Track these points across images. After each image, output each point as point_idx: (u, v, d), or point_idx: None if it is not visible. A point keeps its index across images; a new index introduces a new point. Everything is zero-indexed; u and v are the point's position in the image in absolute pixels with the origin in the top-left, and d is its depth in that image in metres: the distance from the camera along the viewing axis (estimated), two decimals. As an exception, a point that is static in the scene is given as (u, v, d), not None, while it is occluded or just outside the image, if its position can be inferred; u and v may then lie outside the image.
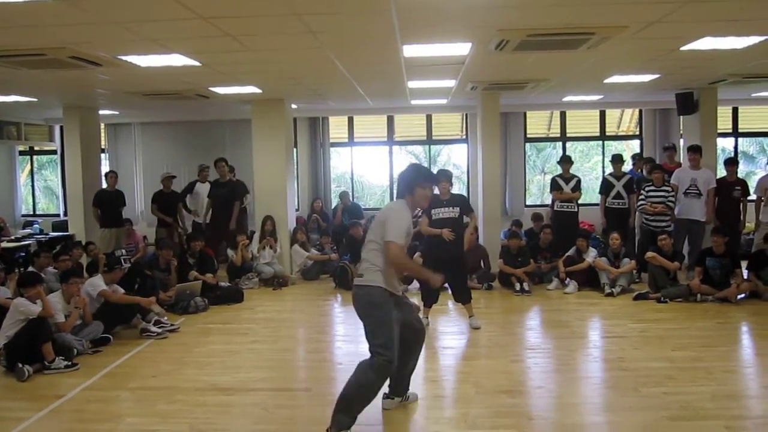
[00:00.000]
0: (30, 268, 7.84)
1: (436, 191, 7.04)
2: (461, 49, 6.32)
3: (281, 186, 10.24)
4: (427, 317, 7.08)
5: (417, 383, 5.23)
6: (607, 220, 9.63)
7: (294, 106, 11.02)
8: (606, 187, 9.66)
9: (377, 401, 4.71)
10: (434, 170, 13.05)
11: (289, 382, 5.43)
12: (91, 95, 9.46)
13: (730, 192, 9.28)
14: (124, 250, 7.93)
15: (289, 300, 8.84)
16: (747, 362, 5.97)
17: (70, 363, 5.74)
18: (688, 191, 9.11)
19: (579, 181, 9.66)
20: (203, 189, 10.73)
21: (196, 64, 6.60)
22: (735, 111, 12.80)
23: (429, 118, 13.36)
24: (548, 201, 11.49)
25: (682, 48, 6.46)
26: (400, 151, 14.27)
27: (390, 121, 13.40)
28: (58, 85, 8.17)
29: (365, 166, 14.35)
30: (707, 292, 7.86)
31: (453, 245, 6.81)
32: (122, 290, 7.00)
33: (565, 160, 9.85)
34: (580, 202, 9.82)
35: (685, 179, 9.20)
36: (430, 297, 7.08)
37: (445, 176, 7.03)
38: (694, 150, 9.37)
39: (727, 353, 6.08)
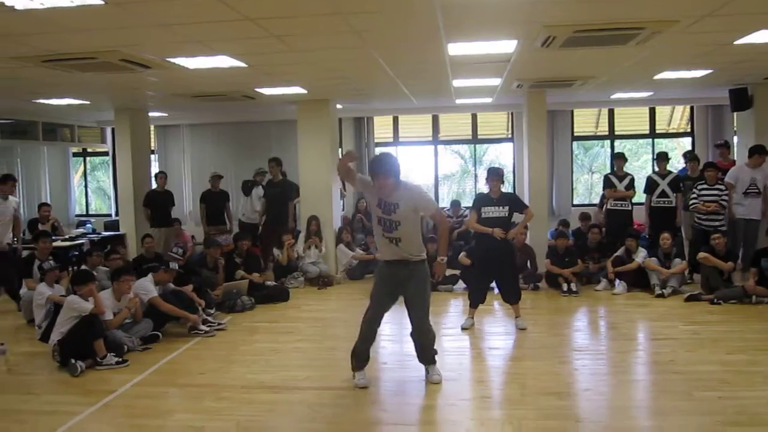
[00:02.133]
0: (83, 267, 8.04)
1: (486, 190, 7.00)
2: (507, 46, 6.25)
3: (327, 186, 10.30)
4: (472, 317, 7.03)
5: (463, 384, 5.21)
6: (651, 219, 9.42)
7: (339, 106, 11.07)
8: (650, 185, 9.43)
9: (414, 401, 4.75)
10: (480, 170, 13.26)
11: (334, 381, 5.43)
12: (141, 97, 9.67)
13: (789, 191, 8.97)
14: (181, 249, 8.07)
15: (334, 299, 8.88)
16: (805, 366, 5.75)
17: (120, 359, 5.87)
18: (748, 191, 8.85)
19: (632, 180, 9.43)
20: (257, 192, 10.88)
21: (242, 65, 6.68)
22: (792, 106, 12.36)
23: (474, 117, 13.27)
24: (596, 200, 11.29)
25: (736, 42, 6.27)
26: (445, 150, 14.20)
27: (435, 120, 13.35)
28: (110, 87, 8.37)
29: (410, 165, 14.31)
30: (763, 294, 7.61)
31: (503, 244, 6.76)
32: (172, 286, 7.12)
33: (619, 157, 9.65)
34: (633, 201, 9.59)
35: (745, 178, 8.94)
36: (476, 297, 7.03)
37: (495, 174, 6.89)
38: (760, 152, 8.97)
39: (785, 357, 5.88)
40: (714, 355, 5.76)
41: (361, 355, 5.29)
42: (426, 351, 5.28)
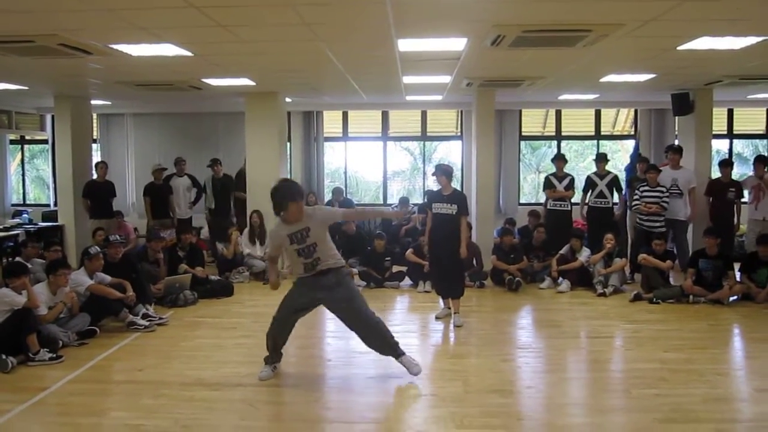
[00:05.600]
0: (17, 258, 7.75)
1: (438, 186, 7.07)
2: (457, 44, 6.25)
3: (274, 180, 10.11)
4: (447, 307, 7.17)
5: (405, 381, 5.18)
6: (589, 218, 9.62)
7: (288, 99, 10.94)
8: (589, 185, 9.62)
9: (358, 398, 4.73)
10: (429, 167, 13.32)
11: (277, 378, 5.36)
12: (83, 84, 9.35)
13: (724, 193, 9.28)
14: (118, 236, 7.88)
15: (279, 295, 8.72)
16: (738, 365, 5.94)
17: (54, 355, 5.67)
18: (671, 191, 9.14)
19: (572, 180, 9.64)
20: (178, 183, 10.69)
21: (188, 54, 6.50)
22: (730, 113, 12.79)
23: (424, 115, 13.30)
24: (542, 199, 11.48)
25: (679, 47, 6.41)
26: (394, 147, 14.20)
27: (385, 116, 13.32)
28: (49, 73, 8.06)
29: (359, 161, 14.28)
30: (700, 294, 7.83)
31: (451, 240, 6.83)
32: (108, 278, 6.93)
33: (559, 158, 9.84)
34: (572, 200, 9.79)
35: (666, 179, 9.27)
36: (440, 289, 7.32)
37: (441, 171, 7.00)
38: (675, 150, 9.64)
39: (719, 355, 6.06)
40: (652, 354, 5.89)
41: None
42: (379, 346, 5.26)
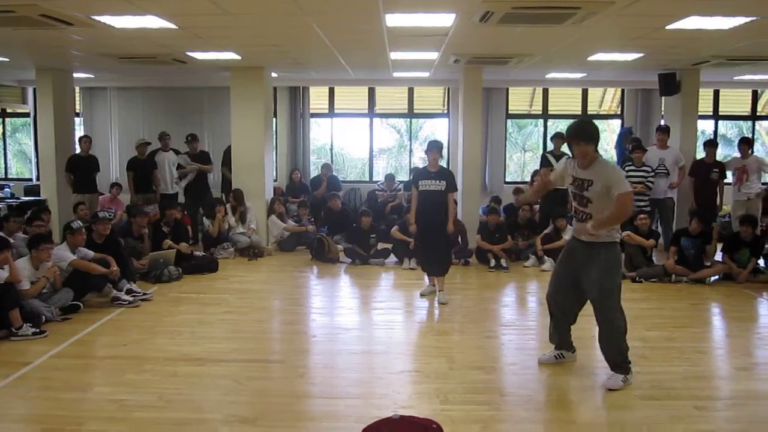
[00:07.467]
0: (-1, 233, 7.66)
1: (421, 164, 7.07)
2: (445, 20, 6.20)
3: (259, 156, 10.10)
4: (432, 284, 7.16)
5: (392, 357, 5.21)
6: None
7: (274, 74, 10.84)
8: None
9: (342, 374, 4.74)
10: (416, 144, 13.29)
11: (262, 353, 5.37)
12: (65, 57, 9.20)
13: (707, 174, 9.34)
14: (107, 213, 7.80)
15: (264, 271, 8.76)
16: (718, 343, 6.02)
17: (37, 330, 5.63)
18: (657, 171, 9.21)
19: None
20: (163, 158, 10.56)
21: (173, 26, 6.41)
22: (716, 94, 12.82)
23: (411, 92, 13.21)
24: (528, 178, 11.50)
25: (668, 27, 6.40)
26: (381, 124, 14.13)
27: (371, 93, 13.23)
28: (30, 45, 7.92)
29: (345, 137, 14.19)
30: (682, 273, 7.90)
31: (439, 218, 6.87)
32: (92, 253, 6.88)
33: (558, 137, 9.74)
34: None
35: (654, 159, 9.34)
36: (426, 266, 7.27)
37: (436, 146, 7.03)
38: (663, 130, 9.69)
39: (700, 334, 6.13)
40: (634, 332, 5.88)
41: (552, 333, 5.13)
42: (605, 350, 4.74)
